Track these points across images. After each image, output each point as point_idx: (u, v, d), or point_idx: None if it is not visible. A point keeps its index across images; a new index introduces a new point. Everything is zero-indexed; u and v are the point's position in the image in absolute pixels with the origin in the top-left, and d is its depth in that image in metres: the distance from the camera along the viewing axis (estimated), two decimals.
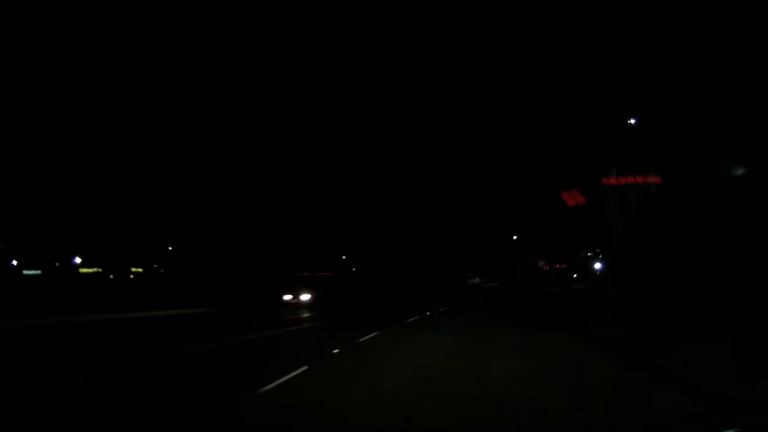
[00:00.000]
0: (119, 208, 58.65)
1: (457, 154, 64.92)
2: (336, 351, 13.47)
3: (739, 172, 14.57)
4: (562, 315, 24.61)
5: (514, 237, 67.94)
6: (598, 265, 59.38)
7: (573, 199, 23.08)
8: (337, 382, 9.56)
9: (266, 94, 64.59)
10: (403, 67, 65.29)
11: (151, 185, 59.43)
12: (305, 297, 34.63)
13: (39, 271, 56.22)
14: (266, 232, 57.63)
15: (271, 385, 8.96)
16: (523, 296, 43.16)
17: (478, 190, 63.60)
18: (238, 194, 60.42)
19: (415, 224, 61.96)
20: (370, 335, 17.16)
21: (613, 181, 20.04)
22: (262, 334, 18.58)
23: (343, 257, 66.66)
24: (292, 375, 9.89)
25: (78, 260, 59.49)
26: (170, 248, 61.49)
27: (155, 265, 63.64)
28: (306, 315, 28.16)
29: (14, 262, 57.28)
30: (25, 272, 55.97)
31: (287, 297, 34.36)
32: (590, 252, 67.26)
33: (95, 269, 58.93)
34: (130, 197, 58.95)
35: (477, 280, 51.71)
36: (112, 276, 58.21)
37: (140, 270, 62.26)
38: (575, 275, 59.21)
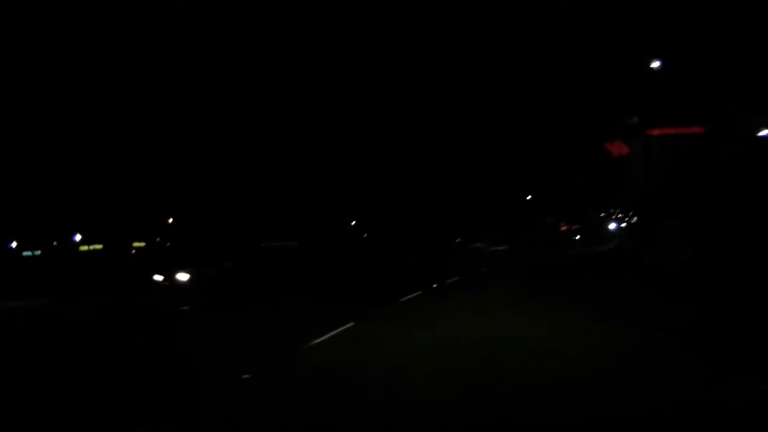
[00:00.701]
0: (117, 182, 57.36)
1: (466, 111, 62.07)
2: (243, 377, 8.34)
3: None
4: (610, 292, 17.65)
5: (528, 197, 66.09)
6: (612, 226, 58.91)
7: (617, 149, 22.73)
8: None
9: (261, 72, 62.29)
10: (414, 14, 61.95)
11: (148, 156, 57.96)
12: (183, 277, 25.16)
13: (39, 252, 55.06)
14: (256, 198, 56.19)
15: None
16: (548, 262, 34.20)
17: (487, 149, 61.14)
18: (237, 162, 58.85)
19: (416, 184, 59.92)
20: (336, 331, 11.95)
21: (656, 132, 19.27)
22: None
23: (353, 222, 65.28)
24: None
25: (78, 237, 58.26)
26: (170, 220, 60.13)
27: (158, 239, 62.27)
28: (185, 308, 18.37)
29: (13, 244, 56.18)
30: (25, 254, 54.90)
31: (158, 278, 25.58)
32: (603, 213, 66.40)
33: (95, 246, 57.61)
34: (127, 170, 57.58)
35: (479, 244, 48.80)
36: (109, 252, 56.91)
37: (143, 244, 60.91)
38: (578, 237, 58.09)
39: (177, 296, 21.61)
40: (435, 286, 22.36)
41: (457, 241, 65.82)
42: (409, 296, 18.72)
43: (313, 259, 33.44)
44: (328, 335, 11.56)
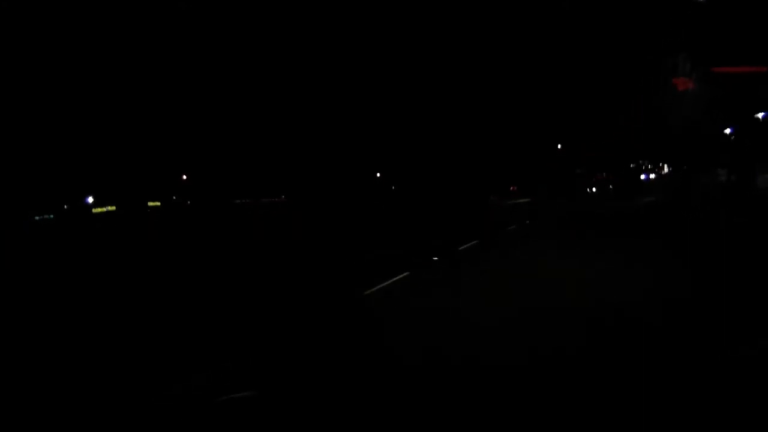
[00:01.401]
0: (127, 140, 54.94)
1: (501, 53, 56.32)
2: None
3: None
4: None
5: (559, 146, 60.70)
6: (642, 177, 57.43)
7: (683, 84, 23.01)
8: None
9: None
10: None
11: (158, 111, 55.16)
12: None
13: (51, 216, 53.25)
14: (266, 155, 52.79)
15: None
16: (584, 215, 28.67)
17: (517, 93, 55.58)
18: (252, 110, 55.43)
19: (445, 135, 55.14)
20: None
21: (723, 70, 17.98)
22: None
23: (378, 175, 61.46)
24: None
25: (90, 200, 56.27)
26: (184, 177, 57.46)
27: (174, 197, 59.92)
28: None
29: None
30: (37, 218, 53.19)
31: None
32: (633, 164, 64.59)
33: (108, 208, 55.58)
34: (137, 126, 55.03)
35: (494, 197, 43.68)
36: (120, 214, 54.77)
37: (158, 204, 58.61)
38: (613, 188, 55.60)
39: None
40: (436, 259, 13.97)
41: (512, 189, 61.54)
42: (397, 277, 11.01)
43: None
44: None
